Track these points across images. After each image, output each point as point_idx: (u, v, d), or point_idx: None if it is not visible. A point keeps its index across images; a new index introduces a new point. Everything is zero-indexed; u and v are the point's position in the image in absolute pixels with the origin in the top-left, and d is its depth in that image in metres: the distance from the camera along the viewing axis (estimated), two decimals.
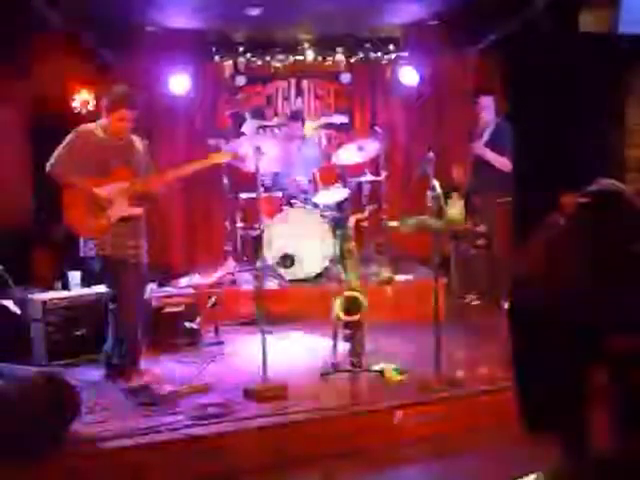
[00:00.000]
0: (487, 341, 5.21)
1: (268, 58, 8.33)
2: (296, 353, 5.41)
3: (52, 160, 4.51)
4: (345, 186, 7.08)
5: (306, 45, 8.29)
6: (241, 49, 8.24)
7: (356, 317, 4.54)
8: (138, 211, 4.74)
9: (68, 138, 4.57)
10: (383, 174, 7.25)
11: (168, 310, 5.64)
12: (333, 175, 7.39)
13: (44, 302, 5.23)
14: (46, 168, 4.52)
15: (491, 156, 6.30)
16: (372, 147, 7.10)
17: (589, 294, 0.71)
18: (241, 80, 8.35)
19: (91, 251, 4.61)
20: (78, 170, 4.52)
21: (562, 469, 0.76)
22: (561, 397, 0.73)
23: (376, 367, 4.70)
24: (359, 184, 7.31)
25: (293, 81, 8.63)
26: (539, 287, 0.79)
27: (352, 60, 8.50)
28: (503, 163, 6.28)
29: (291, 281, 6.54)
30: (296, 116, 7.72)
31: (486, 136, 6.45)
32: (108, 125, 4.65)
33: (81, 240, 4.62)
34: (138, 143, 4.83)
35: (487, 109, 6.48)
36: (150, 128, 7.34)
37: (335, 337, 5.11)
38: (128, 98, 4.63)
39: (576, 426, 0.72)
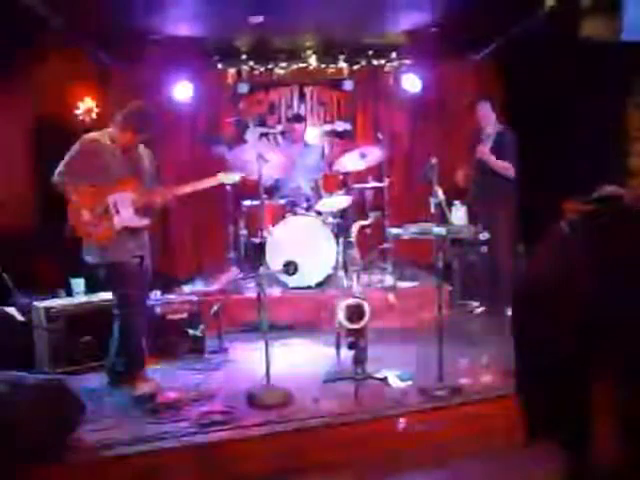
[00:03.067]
0: (490, 348, 5.21)
1: (271, 65, 8.37)
2: (299, 360, 5.41)
3: (60, 169, 4.50)
4: (348, 193, 7.08)
5: (309, 52, 8.33)
6: (244, 57, 8.28)
7: (359, 324, 4.54)
8: (144, 222, 4.74)
9: (75, 147, 4.56)
10: (386, 181, 7.26)
11: (171, 317, 5.64)
12: (336, 182, 7.40)
13: (47, 309, 5.24)
14: (53, 177, 4.51)
15: (494, 161, 6.29)
16: (375, 154, 7.11)
17: (593, 302, 0.72)
18: (244, 87, 8.39)
19: (95, 258, 4.61)
20: (85, 178, 4.52)
21: (564, 477, 0.76)
22: (563, 404, 0.73)
23: (379, 374, 4.70)
24: (362, 191, 7.32)
25: (296, 88, 8.65)
26: (543, 295, 0.79)
27: (355, 67, 8.53)
28: (506, 167, 6.27)
29: (294, 288, 6.54)
30: (298, 118, 7.74)
31: (488, 143, 6.45)
32: (118, 137, 4.64)
33: (85, 246, 4.62)
34: (144, 154, 4.84)
35: (485, 115, 6.48)
36: (153, 135, 7.36)
37: (338, 344, 5.11)
38: (145, 116, 4.63)
39: (578, 433, 0.72)
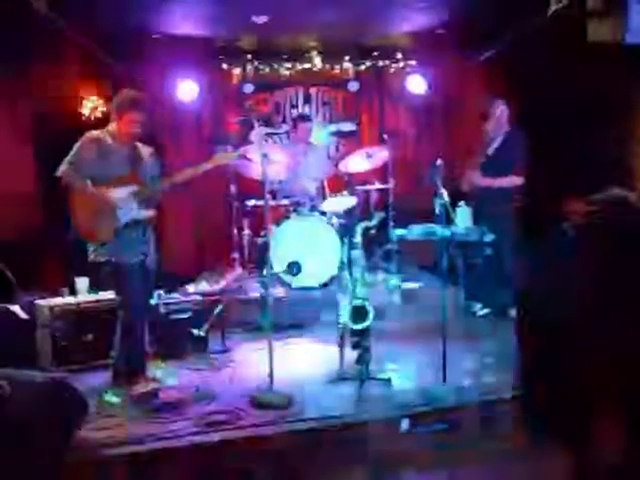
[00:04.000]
0: (493, 349, 5.19)
1: (276, 66, 8.37)
2: (302, 361, 5.40)
3: (63, 166, 4.55)
4: (353, 194, 7.08)
5: (314, 53, 8.33)
6: (249, 57, 8.28)
7: (363, 325, 4.54)
8: (149, 213, 4.76)
9: (78, 144, 4.61)
10: (391, 182, 7.25)
11: (175, 317, 5.65)
12: (341, 183, 7.40)
13: (51, 308, 5.25)
14: (57, 173, 4.55)
15: (491, 182, 6.28)
16: (380, 155, 7.10)
17: (597, 304, 0.71)
18: (249, 87, 8.39)
19: (99, 257, 4.62)
20: (87, 175, 4.55)
21: (567, 476, 0.75)
22: (565, 404, 0.72)
23: (383, 375, 4.69)
24: (367, 192, 7.31)
25: (301, 89, 8.66)
26: (547, 296, 0.79)
27: (360, 68, 8.53)
28: (507, 181, 6.24)
29: (298, 289, 6.53)
30: (304, 118, 7.73)
31: (496, 144, 6.42)
32: (116, 130, 4.69)
33: (89, 246, 4.64)
34: (143, 150, 4.87)
35: (501, 116, 6.43)
36: (158, 135, 7.37)
37: (342, 345, 5.10)
38: (136, 101, 4.67)
39: (580, 433, 0.71)
